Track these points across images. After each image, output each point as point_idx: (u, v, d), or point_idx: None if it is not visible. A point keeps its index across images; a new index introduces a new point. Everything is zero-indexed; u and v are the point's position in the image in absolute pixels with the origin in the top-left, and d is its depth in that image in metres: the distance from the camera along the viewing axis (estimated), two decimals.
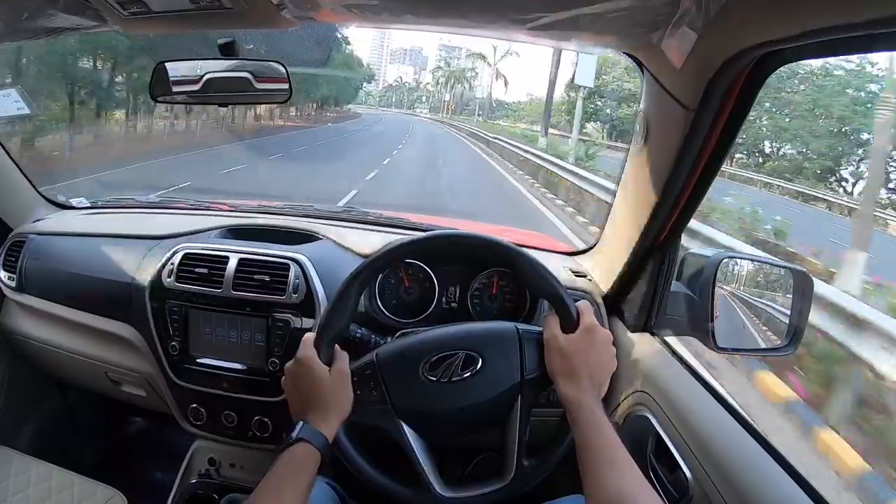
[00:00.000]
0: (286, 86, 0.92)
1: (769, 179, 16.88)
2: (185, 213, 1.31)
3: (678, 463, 0.74)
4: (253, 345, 1.00)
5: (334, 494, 0.84)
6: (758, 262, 1.01)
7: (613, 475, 0.60)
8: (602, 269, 1.07)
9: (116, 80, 12.57)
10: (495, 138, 18.72)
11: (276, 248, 1.05)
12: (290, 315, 0.98)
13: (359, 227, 1.26)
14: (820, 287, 2.81)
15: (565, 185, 8.66)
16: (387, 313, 1.03)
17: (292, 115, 25.71)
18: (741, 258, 0.98)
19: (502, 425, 0.74)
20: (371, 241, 1.10)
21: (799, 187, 15.89)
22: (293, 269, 1.00)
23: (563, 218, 7.29)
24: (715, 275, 0.87)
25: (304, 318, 0.98)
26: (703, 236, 4.26)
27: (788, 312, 0.89)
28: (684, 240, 0.91)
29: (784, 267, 0.94)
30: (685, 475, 0.72)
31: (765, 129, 19.76)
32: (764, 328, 0.95)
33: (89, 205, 1.36)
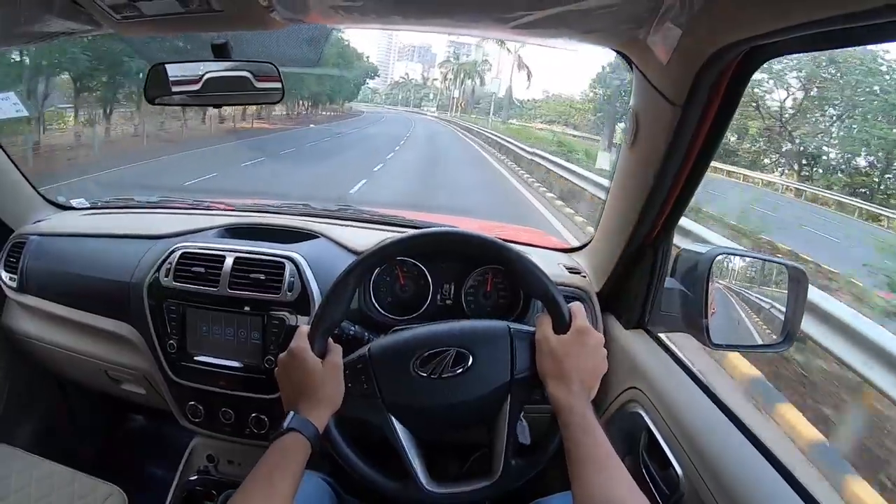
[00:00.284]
0: (279, 85, 0.93)
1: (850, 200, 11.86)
2: (182, 212, 1.32)
3: (669, 460, 0.74)
4: (249, 343, 1.01)
5: (330, 489, 0.84)
6: (752, 258, 1.00)
7: (602, 479, 0.60)
8: (597, 265, 1.07)
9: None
10: (531, 154, 11.51)
11: (272, 247, 1.05)
12: (285, 313, 0.99)
13: (355, 224, 1.26)
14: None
15: None
16: (381, 310, 1.04)
17: (277, 114, 23.06)
18: (736, 254, 0.98)
19: (491, 423, 0.74)
20: (366, 239, 1.11)
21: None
22: (288, 267, 1.00)
23: None
24: (709, 271, 0.86)
25: (299, 316, 0.99)
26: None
27: (783, 308, 0.89)
28: None
29: (779, 263, 0.94)
30: (676, 472, 0.72)
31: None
32: (760, 324, 0.95)
33: (89, 205, 1.38)
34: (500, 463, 0.72)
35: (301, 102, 27.55)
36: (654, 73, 0.71)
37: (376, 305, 1.04)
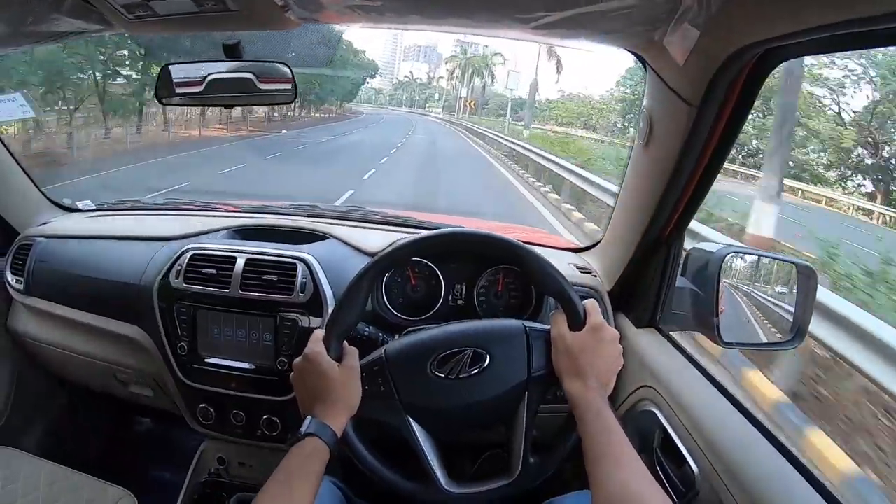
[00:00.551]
0: (290, 86, 0.93)
1: None
2: (190, 214, 1.31)
3: (684, 457, 0.74)
4: (261, 344, 1.00)
5: (341, 494, 0.84)
6: (762, 256, 1.01)
7: (619, 473, 0.60)
8: (607, 265, 1.07)
9: None
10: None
11: (283, 248, 1.05)
12: (297, 314, 0.99)
13: (364, 226, 1.26)
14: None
15: None
16: (394, 311, 1.04)
17: (253, 117, 19.95)
18: (746, 253, 0.99)
19: (509, 422, 0.74)
20: (377, 240, 1.11)
21: None
22: (300, 268, 1.00)
23: None
24: (720, 270, 0.87)
25: (311, 318, 0.99)
26: None
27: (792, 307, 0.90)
28: None
29: (788, 262, 0.94)
30: (692, 469, 0.73)
31: None
32: (767, 323, 0.96)
33: (95, 207, 1.37)
34: (519, 461, 0.72)
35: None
36: (669, 74, 0.72)
37: (389, 306, 1.04)
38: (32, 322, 1.22)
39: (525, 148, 11.78)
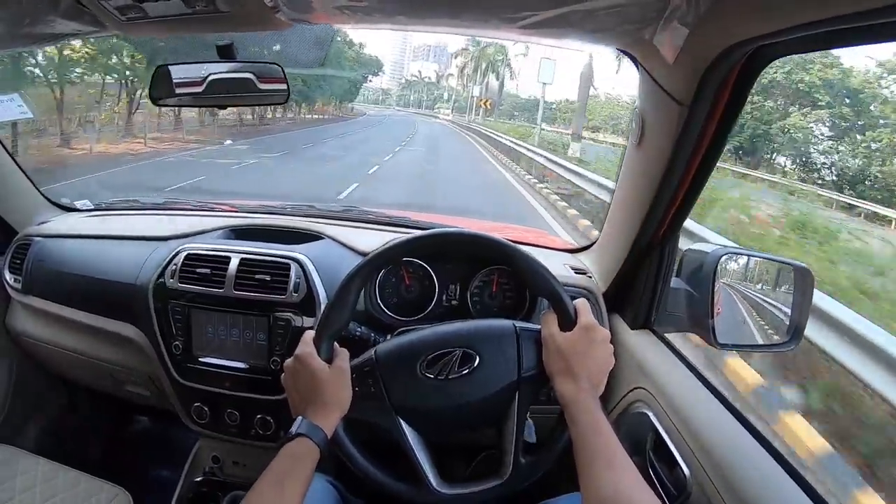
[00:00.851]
0: (284, 86, 0.93)
1: None
2: (187, 214, 1.32)
3: (676, 460, 0.74)
4: (255, 344, 1.01)
5: (335, 492, 0.84)
6: (758, 258, 1.00)
7: (611, 475, 0.60)
8: (602, 266, 1.06)
9: None
10: None
11: (277, 248, 1.05)
12: (291, 314, 0.99)
13: (359, 226, 1.26)
14: None
15: None
16: (387, 311, 1.03)
17: (224, 118, 16.60)
18: (741, 254, 0.98)
19: (500, 423, 0.74)
20: (371, 240, 1.11)
21: None
22: (294, 268, 1.00)
23: None
24: (715, 271, 0.86)
25: (304, 317, 0.99)
26: None
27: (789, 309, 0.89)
28: None
29: (784, 263, 0.93)
30: (683, 472, 0.72)
31: None
32: (763, 324, 0.95)
33: (93, 207, 1.38)
34: (511, 462, 0.72)
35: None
36: (660, 73, 0.71)
37: (382, 306, 1.04)
38: (30, 321, 1.23)
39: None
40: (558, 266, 1.08)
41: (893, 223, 9.88)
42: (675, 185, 0.79)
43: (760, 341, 0.96)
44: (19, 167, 1.22)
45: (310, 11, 0.73)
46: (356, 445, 0.73)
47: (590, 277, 1.07)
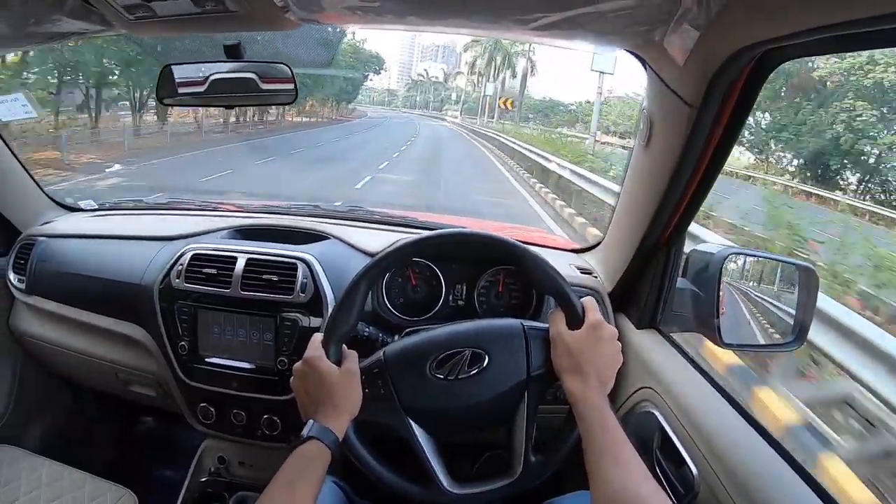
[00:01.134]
0: (292, 86, 0.93)
1: None
2: (192, 214, 1.32)
3: (684, 458, 0.74)
4: (261, 344, 1.01)
5: (342, 494, 0.84)
6: (763, 258, 1.01)
7: (619, 472, 0.60)
8: (608, 266, 1.07)
9: None
10: None
11: (284, 248, 1.05)
12: (298, 314, 0.99)
13: (365, 226, 1.27)
14: None
15: None
16: (394, 312, 1.04)
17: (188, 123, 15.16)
18: (746, 254, 0.99)
19: (509, 422, 0.74)
20: (378, 240, 1.11)
21: None
22: (301, 268, 1.00)
23: None
24: (720, 271, 0.87)
25: (311, 318, 0.99)
26: None
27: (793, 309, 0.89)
28: None
29: (789, 263, 0.94)
30: (691, 471, 0.73)
31: None
32: (766, 324, 0.95)
33: (97, 207, 1.38)
34: (521, 461, 0.72)
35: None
36: (669, 75, 0.71)
37: (389, 307, 1.04)
38: (34, 321, 1.22)
39: None
40: (564, 266, 1.09)
41: None
42: (682, 186, 0.79)
43: (765, 341, 0.97)
44: (23, 167, 1.22)
45: (319, 11, 0.73)
46: (366, 447, 0.73)
47: (595, 277, 1.08)
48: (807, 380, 2.65)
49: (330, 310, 0.97)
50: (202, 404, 1.05)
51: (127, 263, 1.11)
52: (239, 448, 1.16)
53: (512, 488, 0.72)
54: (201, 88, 0.92)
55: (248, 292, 0.99)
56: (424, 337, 0.76)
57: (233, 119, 17.28)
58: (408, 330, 0.85)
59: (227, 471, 1.18)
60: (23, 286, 1.18)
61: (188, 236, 1.12)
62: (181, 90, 0.94)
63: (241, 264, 1.01)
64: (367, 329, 0.85)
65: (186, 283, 1.01)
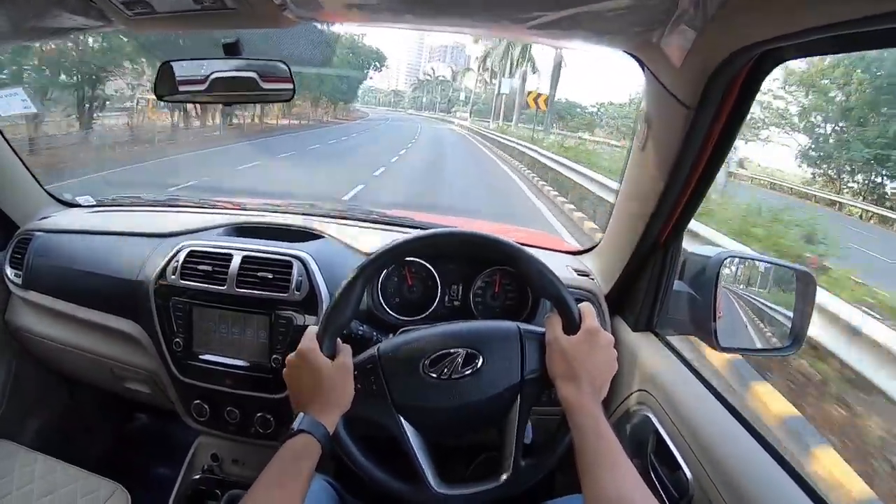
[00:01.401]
0: (290, 85, 0.93)
1: None
2: (189, 210, 1.32)
3: (678, 463, 0.74)
4: (256, 342, 1.00)
5: (333, 492, 0.84)
6: (760, 262, 1.00)
7: (612, 479, 0.60)
8: (605, 268, 1.06)
9: None
10: None
11: (280, 246, 1.05)
12: (292, 312, 0.99)
13: (362, 225, 1.26)
14: None
15: None
16: (389, 311, 1.03)
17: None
18: (743, 258, 0.98)
19: (501, 424, 0.74)
20: (373, 240, 1.11)
21: None
22: (296, 266, 1.00)
23: None
24: (718, 274, 0.87)
25: (306, 316, 0.99)
26: None
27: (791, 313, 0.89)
28: None
29: (787, 267, 0.94)
30: (685, 475, 0.72)
31: None
32: (764, 328, 0.95)
33: (95, 203, 1.38)
34: (511, 464, 0.71)
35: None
36: (666, 76, 0.71)
37: (385, 306, 1.03)
38: (30, 316, 1.22)
39: None
40: (561, 268, 1.08)
41: None
42: (679, 188, 0.79)
43: (762, 345, 0.96)
44: (22, 162, 1.22)
45: (318, 10, 0.73)
46: (356, 443, 0.73)
47: (592, 279, 1.07)
48: None
49: (324, 308, 0.96)
50: (196, 401, 1.05)
51: (124, 259, 1.11)
52: (232, 445, 1.16)
53: (501, 491, 0.72)
54: (202, 87, 0.92)
55: (243, 290, 0.99)
56: (419, 335, 0.76)
57: (197, 123, 14.43)
58: (403, 329, 0.85)
59: (220, 468, 1.17)
60: (19, 281, 1.18)
61: (184, 233, 1.12)
62: (181, 88, 0.94)
63: (236, 262, 1.01)
64: (361, 328, 0.85)
65: (182, 279, 1.01)
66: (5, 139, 1.16)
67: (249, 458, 1.16)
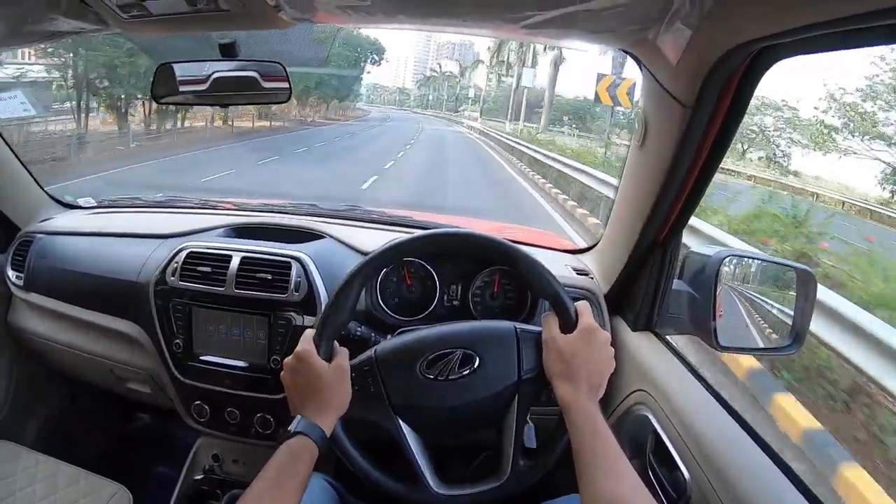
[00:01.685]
0: (287, 85, 0.94)
1: None
2: (189, 212, 1.32)
3: (676, 463, 0.74)
4: (255, 343, 1.01)
5: (333, 491, 0.84)
6: (760, 260, 1.00)
7: (610, 479, 0.60)
8: (604, 267, 1.06)
9: None
10: None
11: (279, 247, 1.05)
12: (291, 313, 0.99)
13: (361, 225, 1.26)
14: None
15: None
16: (388, 311, 1.03)
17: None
18: (743, 257, 0.97)
19: (499, 425, 0.74)
20: (373, 240, 1.11)
21: None
22: (295, 267, 1.00)
23: None
24: (717, 273, 0.86)
25: (305, 316, 0.99)
26: None
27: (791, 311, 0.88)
28: None
29: (787, 266, 0.93)
30: (683, 475, 0.72)
31: None
32: (765, 327, 0.94)
33: (95, 204, 1.39)
34: (509, 464, 0.71)
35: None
36: (663, 74, 0.71)
37: (383, 306, 1.03)
38: (32, 317, 1.23)
39: None
40: (560, 267, 1.08)
41: None
42: (677, 186, 0.78)
43: (762, 344, 0.96)
44: (22, 164, 1.22)
45: (312, 11, 0.73)
46: (354, 444, 0.73)
47: (591, 278, 1.07)
48: None
49: (323, 308, 0.97)
50: (196, 402, 1.05)
51: (124, 261, 1.11)
52: (233, 446, 1.16)
53: (499, 492, 0.72)
54: (203, 87, 0.93)
55: (243, 291, 0.99)
56: (416, 336, 0.76)
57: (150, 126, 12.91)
58: (401, 330, 0.85)
59: (221, 468, 1.18)
60: (20, 283, 1.19)
61: (184, 234, 1.13)
62: (182, 88, 0.94)
63: (235, 263, 1.01)
64: (359, 328, 0.85)
65: (181, 280, 1.02)
66: (5, 141, 1.17)
67: (250, 459, 1.17)
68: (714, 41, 0.59)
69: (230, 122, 16.58)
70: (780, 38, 0.53)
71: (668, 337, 0.95)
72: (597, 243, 1.14)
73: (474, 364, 0.72)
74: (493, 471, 0.74)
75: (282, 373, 0.73)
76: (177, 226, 1.16)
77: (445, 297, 1.06)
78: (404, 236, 0.76)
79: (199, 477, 1.17)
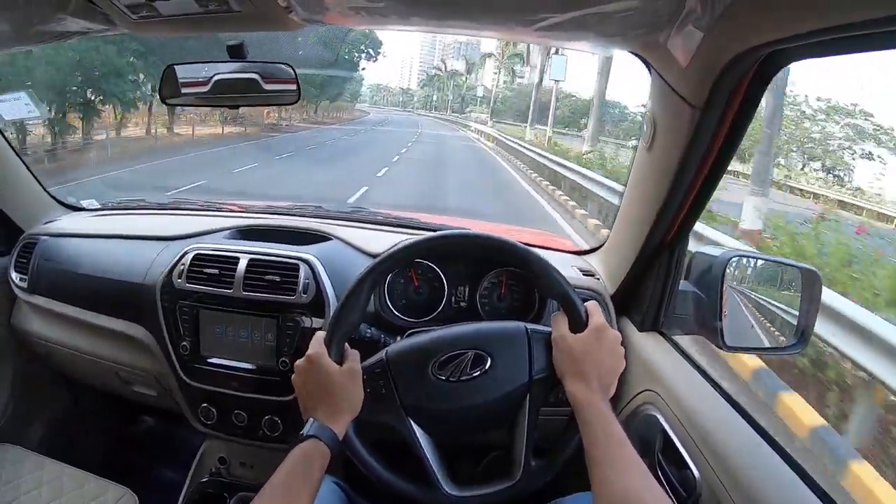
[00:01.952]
0: (294, 87, 0.93)
1: None
2: (195, 214, 1.32)
3: (686, 461, 0.74)
4: (263, 345, 1.00)
5: (342, 494, 0.84)
6: (766, 261, 1.00)
7: (621, 475, 0.60)
8: (611, 268, 1.07)
9: None
10: None
11: (286, 249, 1.05)
12: (300, 315, 0.99)
13: (368, 227, 1.26)
14: None
15: None
16: (396, 313, 1.03)
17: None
18: (750, 257, 0.98)
19: (510, 425, 0.74)
20: (381, 242, 1.11)
21: None
22: (303, 269, 1.00)
23: None
24: (723, 273, 0.87)
25: (314, 318, 0.99)
26: None
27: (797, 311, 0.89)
28: None
29: (793, 266, 0.94)
30: (693, 474, 0.72)
31: None
32: (770, 327, 0.95)
33: (100, 206, 1.38)
34: (521, 464, 0.72)
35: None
36: (673, 76, 0.71)
37: (391, 308, 1.03)
38: (36, 320, 1.22)
39: None
40: (566, 268, 1.08)
41: None
42: (685, 188, 0.79)
43: (768, 344, 0.96)
44: (26, 166, 1.22)
45: (323, 12, 0.73)
46: (367, 447, 0.73)
47: (598, 279, 1.07)
48: None
49: (332, 311, 0.96)
50: (203, 404, 1.05)
51: (129, 263, 1.11)
52: (240, 449, 1.16)
53: (512, 492, 0.72)
54: (205, 88, 0.93)
55: (250, 293, 0.99)
56: (427, 338, 0.76)
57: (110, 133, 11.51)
58: (410, 331, 0.85)
59: (227, 471, 1.18)
60: (25, 285, 1.18)
61: (190, 236, 1.12)
62: (185, 90, 0.94)
63: (242, 265, 1.01)
64: (369, 330, 0.85)
65: (188, 283, 1.01)
66: (8, 143, 1.16)
67: (257, 461, 1.16)
68: (725, 44, 0.60)
69: (180, 129, 13.80)
70: (790, 42, 0.54)
71: (674, 337, 0.96)
72: (602, 245, 1.14)
73: (486, 365, 0.72)
74: (503, 470, 0.74)
75: (293, 376, 0.73)
76: (182, 228, 1.16)
77: (453, 299, 1.06)
78: (415, 238, 0.76)
79: (205, 480, 1.17)
